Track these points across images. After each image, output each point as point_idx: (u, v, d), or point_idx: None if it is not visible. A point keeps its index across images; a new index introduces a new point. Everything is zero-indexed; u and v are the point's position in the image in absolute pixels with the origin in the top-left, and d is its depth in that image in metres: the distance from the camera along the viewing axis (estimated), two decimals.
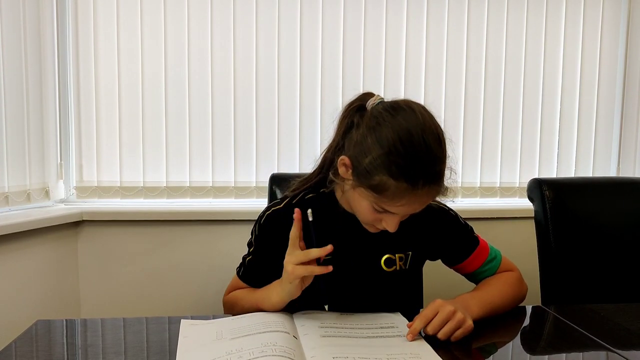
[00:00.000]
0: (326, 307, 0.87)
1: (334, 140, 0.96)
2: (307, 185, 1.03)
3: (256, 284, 1.04)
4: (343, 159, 0.89)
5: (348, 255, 0.99)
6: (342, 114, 0.95)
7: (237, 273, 1.08)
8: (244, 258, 1.07)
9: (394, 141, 0.81)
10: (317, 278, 0.88)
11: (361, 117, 0.89)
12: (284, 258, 0.91)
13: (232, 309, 1.05)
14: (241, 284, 1.07)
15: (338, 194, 1.00)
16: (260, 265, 1.04)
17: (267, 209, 1.04)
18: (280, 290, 0.90)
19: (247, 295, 1.03)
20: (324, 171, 0.99)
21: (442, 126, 0.88)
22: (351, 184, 0.88)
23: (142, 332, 0.88)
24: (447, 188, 0.89)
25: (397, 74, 1.85)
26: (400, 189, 0.81)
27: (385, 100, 0.90)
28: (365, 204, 0.87)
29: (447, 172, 0.87)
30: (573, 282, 1.26)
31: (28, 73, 1.58)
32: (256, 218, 1.06)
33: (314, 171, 1.02)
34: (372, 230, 0.95)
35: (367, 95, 0.93)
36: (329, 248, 0.85)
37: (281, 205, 1.02)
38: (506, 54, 1.91)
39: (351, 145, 0.88)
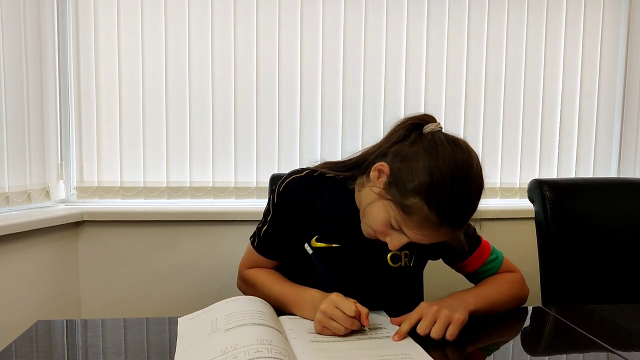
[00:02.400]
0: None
1: (380, 146, 0.94)
2: (334, 166, 1.02)
3: (273, 256, 1.04)
4: (382, 166, 0.88)
5: (356, 246, 0.99)
6: (398, 124, 0.94)
7: (252, 243, 1.06)
8: (258, 228, 1.05)
9: (445, 176, 0.80)
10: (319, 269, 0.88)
11: (419, 136, 0.88)
12: (301, 229, 0.92)
13: (252, 289, 1.03)
14: (258, 257, 1.05)
15: (357, 193, 0.98)
16: (277, 235, 1.02)
17: (288, 176, 1.02)
18: (313, 307, 0.89)
19: (274, 283, 1.00)
20: (356, 168, 0.98)
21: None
22: (378, 192, 0.87)
23: (142, 333, 0.88)
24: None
25: (398, 74, 1.85)
26: (429, 219, 0.81)
27: (444, 131, 0.90)
28: (384, 216, 0.86)
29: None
30: (573, 283, 1.26)
31: (29, 73, 1.58)
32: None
33: (348, 161, 1.01)
34: (369, 235, 0.94)
35: (428, 117, 0.92)
36: (348, 307, 0.83)
37: (303, 174, 1.01)
38: (507, 55, 1.91)
39: (397, 157, 0.87)
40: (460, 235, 0.91)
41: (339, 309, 0.83)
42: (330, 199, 1.00)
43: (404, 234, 0.86)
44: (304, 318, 0.91)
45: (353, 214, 0.98)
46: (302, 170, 1.03)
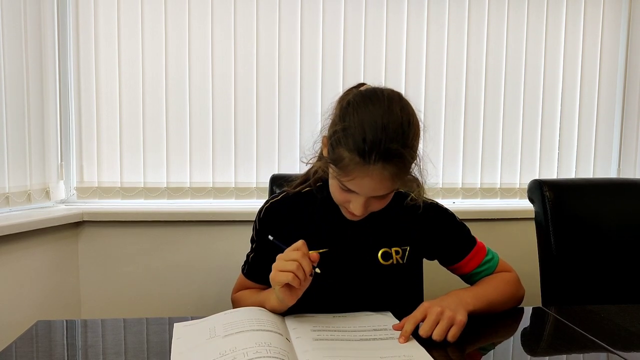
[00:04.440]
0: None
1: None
2: (305, 180, 1.05)
3: (261, 280, 1.06)
4: (323, 138, 0.93)
5: (345, 247, 1.00)
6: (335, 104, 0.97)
7: (242, 271, 1.09)
8: (247, 255, 1.09)
9: (355, 119, 0.85)
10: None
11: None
12: (287, 247, 0.92)
13: (239, 305, 1.06)
14: (247, 282, 1.08)
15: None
16: (262, 260, 1.04)
17: (266, 202, 1.05)
18: (275, 297, 0.90)
19: (251, 296, 1.03)
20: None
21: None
22: (326, 162, 0.92)
23: (142, 333, 0.88)
24: (415, 178, 0.91)
25: (398, 74, 1.85)
26: (353, 161, 0.84)
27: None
28: (335, 182, 0.90)
29: (415, 168, 0.90)
30: (573, 283, 1.26)
31: (29, 74, 1.58)
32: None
33: (312, 167, 1.04)
34: (348, 216, 0.96)
35: (360, 85, 0.97)
36: (300, 245, 0.86)
37: (279, 198, 1.05)
38: (507, 55, 1.91)
39: (328, 126, 0.92)
40: (409, 176, 0.91)
41: (278, 268, 0.85)
42: (311, 211, 1.02)
43: (352, 190, 0.88)
44: (274, 311, 0.92)
45: (336, 217, 0.99)
46: (279, 194, 1.06)
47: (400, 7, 1.84)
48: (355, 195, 0.89)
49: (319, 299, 0.94)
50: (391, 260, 1.01)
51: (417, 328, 0.85)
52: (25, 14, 1.56)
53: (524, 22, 1.91)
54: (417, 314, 0.86)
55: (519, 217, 1.83)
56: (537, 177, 1.34)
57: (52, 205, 1.70)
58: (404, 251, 1.02)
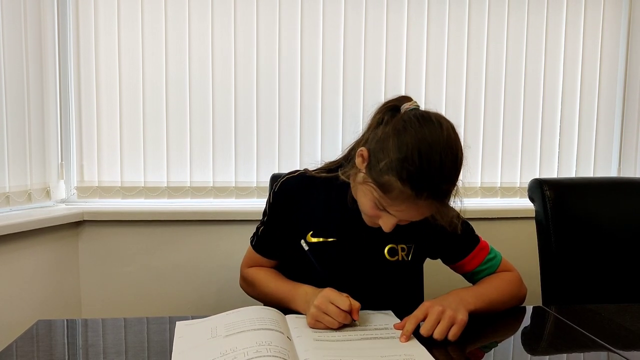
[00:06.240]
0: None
1: (363, 135, 0.97)
2: (328, 170, 1.05)
3: (271, 254, 1.08)
4: (362, 150, 0.91)
5: (353, 239, 1.01)
6: (376, 111, 0.97)
7: (251, 243, 1.10)
8: (257, 228, 1.10)
9: (413, 149, 0.82)
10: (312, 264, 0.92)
11: (392, 117, 0.90)
12: (296, 227, 0.94)
13: (251, 287, 1.09)
14: (257, 255, 1.09)
15: (351, 183, 1.00)
16: (273, 234, 1.06)
17: (283, 177, 1.06)
18: (306, 307, 0.91)
19: (271, 281, 1.04)
20: (347, 161, 1.01)
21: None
22: (362, 176, 0.90)
23: (142, 332, 0.88)
24: (449, 208, 0.91)
25: (398, 74, 1.85)
26: (404, 194, 0.83)
27: (422, 108, 0.91)
28: (369, 198, 0.89)
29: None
30: (574, 283, 1.26)
31: (29, 73, 1.58)
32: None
33: (338, 159, 1.05)
34: (369, 223, 0.97)
35: (404, 99, 0.94)
36: (339, 300, 0.86)
37: (297, 175, 1.06)
38: (507, 55, 1.91)
39: (374, 140, 0.90)
40: (448, 211, 0.91)
41: (333, 304, 0.85)
42: (325, 197, 1.03)
43: (390, 213, 0.88)
44: (299, 313, 0.93)
45: (348, 209, 1.00)
46: (297, 171, 1.07)
47: (401, 8, 1.83)
48: (389, 215, 0.89)
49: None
50: (397, 257, 1.02)
51: (418, 327, 0.85)
52: (25, 14, 1.56)
53: (524, 23, 1.90)
54: (418, 313, 0.86)
55: (519, 216, 1.83)
56: (537, 176, 1.34)
57: (52, 204, 1.70)
58: (409, 248, 1.03)
